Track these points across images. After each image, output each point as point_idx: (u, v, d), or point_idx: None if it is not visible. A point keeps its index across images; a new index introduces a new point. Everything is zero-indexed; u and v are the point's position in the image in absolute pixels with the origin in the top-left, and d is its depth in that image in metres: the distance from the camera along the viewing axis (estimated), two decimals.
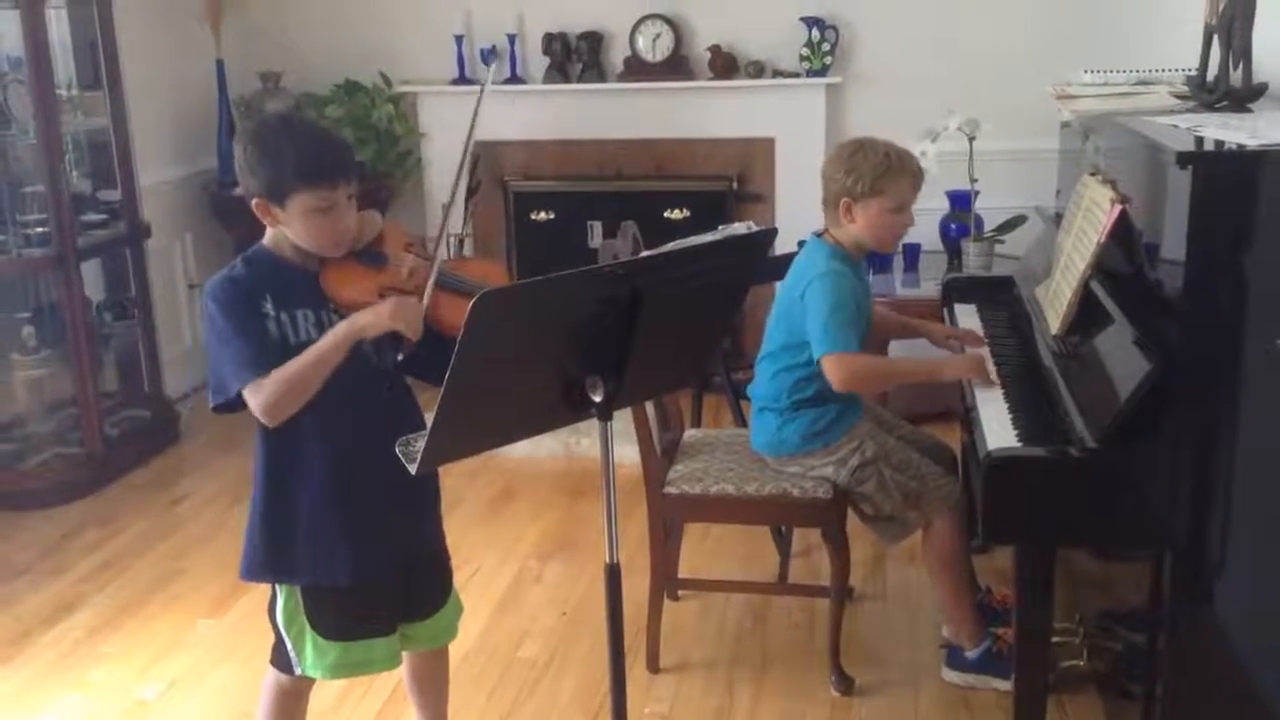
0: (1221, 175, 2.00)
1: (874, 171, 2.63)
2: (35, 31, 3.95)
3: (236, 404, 2.02)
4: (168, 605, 3.37)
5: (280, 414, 2.00)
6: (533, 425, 1.84)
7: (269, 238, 2.09)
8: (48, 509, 4.00)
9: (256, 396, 1.98)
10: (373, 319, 2.00)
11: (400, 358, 2.03)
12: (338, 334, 1.99)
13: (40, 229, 4.06)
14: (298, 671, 2.20)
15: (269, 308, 2.01)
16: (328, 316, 2.04)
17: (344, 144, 2.13)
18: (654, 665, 2.93)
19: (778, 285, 2.87)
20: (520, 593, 3.38)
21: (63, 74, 4.26)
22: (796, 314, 2.69)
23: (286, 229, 2.04)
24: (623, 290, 1.65)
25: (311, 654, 2.16)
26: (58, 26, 4.23)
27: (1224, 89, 2.59)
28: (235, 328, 1.99)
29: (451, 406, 1.59)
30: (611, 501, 1.81)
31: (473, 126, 2.12)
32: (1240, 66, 2.56)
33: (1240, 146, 2.07)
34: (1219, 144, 2.14)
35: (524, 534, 3.75)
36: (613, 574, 1.83)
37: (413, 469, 1.68)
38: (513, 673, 2.97)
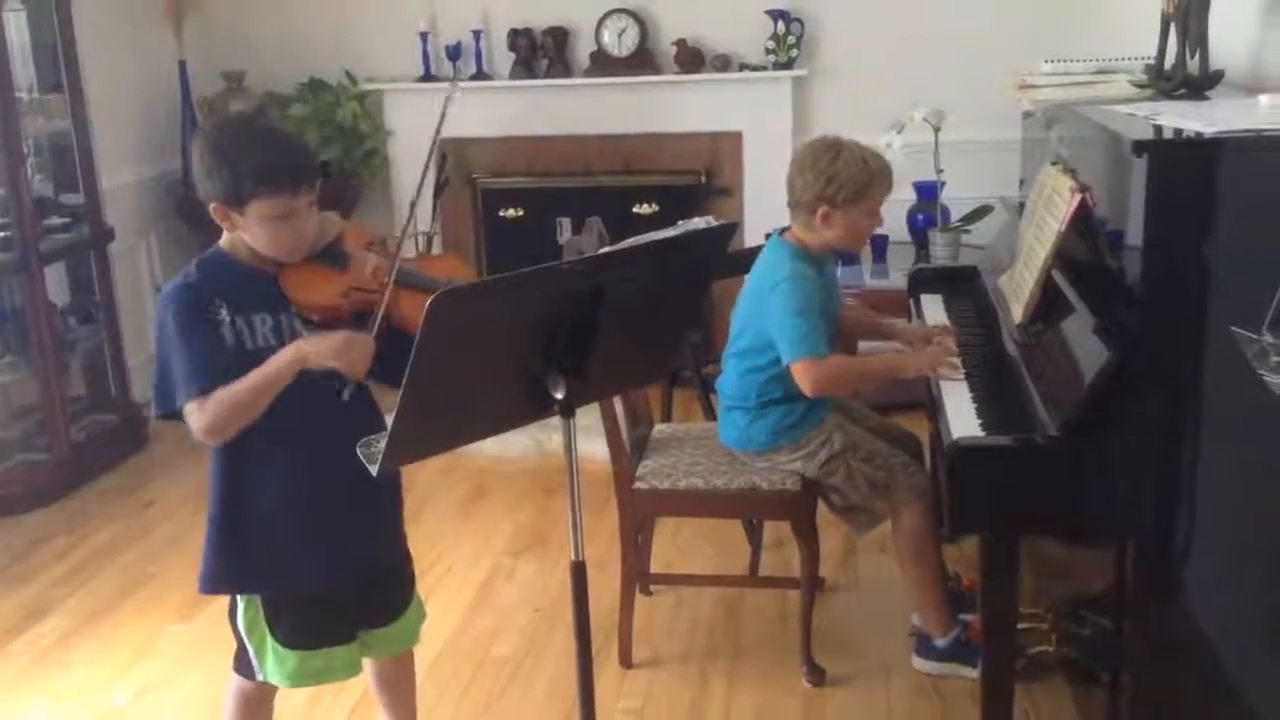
0: (1177, 163, 2.01)
1: (856, 179, 2.60)
2: None
3: (178, 414, 2.00)
4: (138, 611, 3.35)
5: (220, 436, 1.98)
6: (495, 424, 1.83)
7: (225, 240, 2.07)
8: (15, 515, 3.97)
9: (198, 417, 1.96)
10: (317, 350, 1.95)
11: (345, 395, 1.97)
12: (282, 360, 1.95)
13: (2, 233, 4.02)
14: (260, 678, 2.18)
15: (223, 314, 1.98)
16: (287, 320, 2.02)
17: (305, 149, 2.09)
18: (627, 660, 2.93)
19: (747, 278, 2.86)
20: (493, 590, 3.37)
21: (22, 77, 4.21)
22: (761, 317, 2.68)
23: (245, 234, 2.01)
24: (582, 287, 1.65)
25: (272, 661, 2.15)
26: (16, 29, 4.19)
27: (1181, 77, 2.61)
28: (185, 337, 1.96)
29: (411, 406, 1.58)
30: (576, 499, 1.81)
31: (437, 135, 2.10)
32: (1197, 55, 2.58)
33: (1197, 134, 2.08)
34: (1175, 132, 2.15)
35: (496, 531, 3.75)
36: (578, 571, 1.83)
37: (374, 470, 1.67)
38: (486, 671, 2.97)
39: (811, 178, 2.63)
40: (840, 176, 2.60)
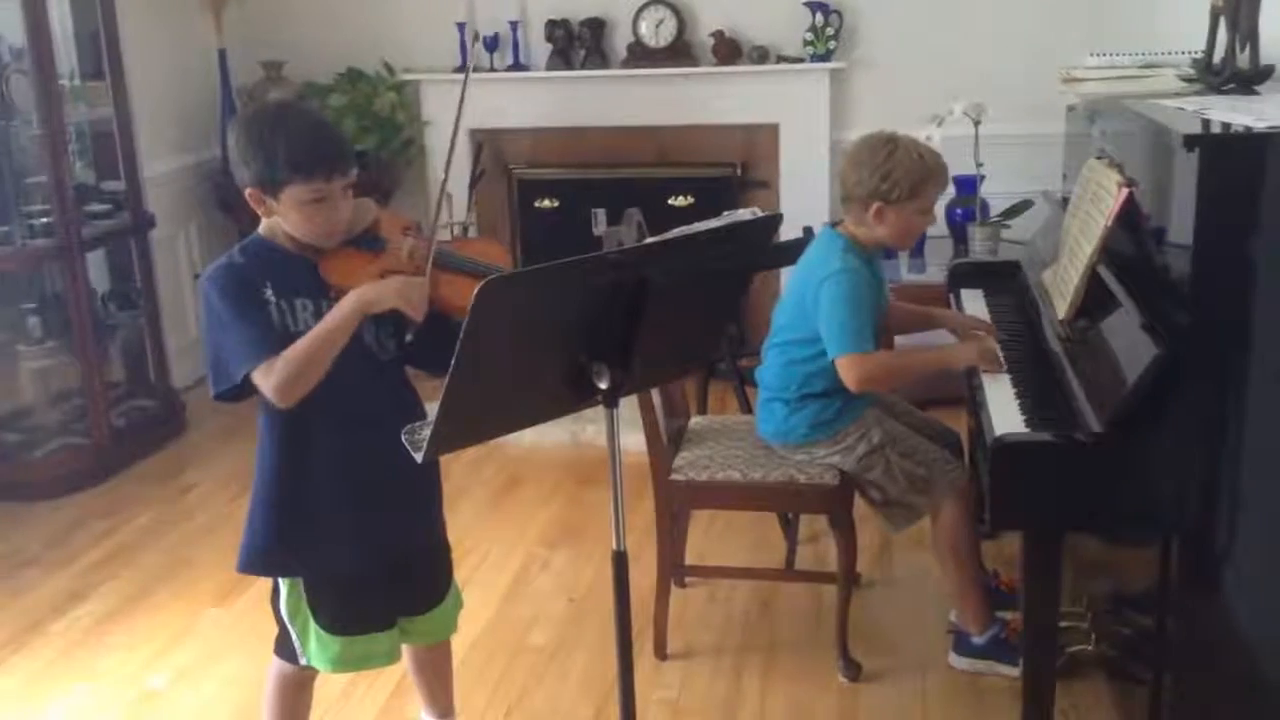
0: (1228, 158, 1.98)
1: (911, 176, 2.58)
2: (37, 22, 3.95)
3: (240, 391, 2.00)
4: (175, 594, 3.38)
5: (293, 395, 1.98)
6: (539, 413, 1.83)
7: (264, 227, 2.09)
8: (55, 499, 4.01)
9: (268, 378, 1.96)
10: (377, 294, 1.98)
11: (408, 338, 2.01)
12: (344, 309, 1.98)
13: (44, 220, 4.07)
14: (302, 662, 2.20)
15: (270, 294, 2.00)
16: (326, 305, 2.03)
17: (339, 134, 2.10)
18: (661, 652, 2.93)
19: (783, 271, 2.85)
20: (527, 581, 3.38)
21: (65, 64, 4.26)
22: (808, 308, 2.65)
23: (280, 219, 2.03)
24: (629, 277, 1.65)
25: (315, 646, 2.17)
26: (59, 16, 4.23)
27: (1230, 71, 2.58)
28: (238, 312, 1.98)
29: (457, 394, 1.58)
30: (618, 489, 1.80)
31: (461, 105, 2.11)
32: (1247, 49, 2.55)
33: (1247, 129, 2.06)
34: (1226, 126, 2.13)
35: (531, 522, 3.76)
36: (620, 561, 1.83)
37: (419, 457, 1.67)
38: (521, 660, 2.97)
39: (866, 173, 2.60)
40: (895, 173, 2.57)
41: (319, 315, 2.02)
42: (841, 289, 2.58)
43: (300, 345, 1.96)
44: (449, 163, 2.19)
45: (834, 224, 2.75)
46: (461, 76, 5.00)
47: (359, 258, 2.08)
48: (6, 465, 4.08)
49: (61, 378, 4.32)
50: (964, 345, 2.73)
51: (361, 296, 1.99)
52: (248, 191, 2.02)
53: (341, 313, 1.98)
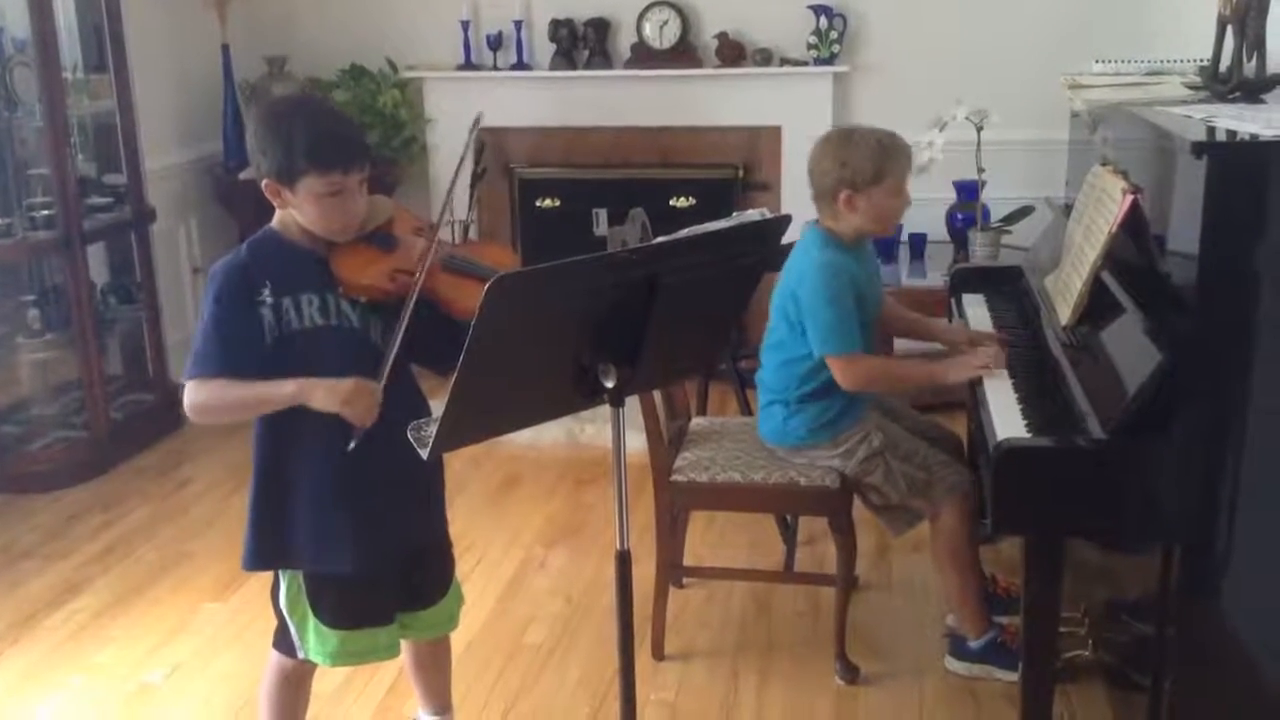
0: (1236, 165, 1.99)
1: (872, 159, 2.60)
2: (42, 14, 3.94)
3: None
4: (173, 589, 3.37)
5: (201, 419, 2.03)
6: (546, 411, 1.83)
7: (278, 219, 2.09)
8: (52, 492, 4.00)
9: (193, 393, 2.00)
10: (325, 396, 1.98)
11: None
12: (284, 389, 1.98)
13: (45, 212, 4.06)
14: (301, 656, 2.20)
15: (266, 295, 2.00)
16: (333, 300, 2.04)
17: (356, 128, 2.12)
18: (659, 652, 2.93)
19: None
20: (525, 579, 3.38)
21: (69, 57, 4.25)
22: (792, 307, 2.68)
23: (296, 212, 2.03)
24: (637, 276, 1.65)
25: (314, 640, 2.16)
26: (64, 9, 4.22)
27: (1237, 80, 2.58)
28: (218, 319, 2.00)
29: (465, 391, 1.58)
30: (622, 488, 1.80)
31: (467, 149, 2.11)
32: (1254, 58, 2.55)
33: (1254, 136, 2.06)
34: (1232, 134, 2.13)
35: (529, 521, 3.75)
36: (623, 561, 1.83)
37: (424, 454, 1.67)
38: (518, 659, 2.97)
39: (829, 164, 2.64)
40: (854, 159, 2.61)
41: (324, 309, 2.03)
42: (820, 285, 2.60)
43: (233, 390, 1.98)
44: (458, 171, 2.20)
45: (815, 223, 2.77)
46: (466, 75, 5.05)
47: (369, 254, 2.08)
48: (4, 457, 4.07)
49: (60, 370, 4.32)
50: (960, 360, 2.71)
51: (304, 388, 1.98)
52: (264, 183, 2.02)
53: (281, 392, 1.98)
